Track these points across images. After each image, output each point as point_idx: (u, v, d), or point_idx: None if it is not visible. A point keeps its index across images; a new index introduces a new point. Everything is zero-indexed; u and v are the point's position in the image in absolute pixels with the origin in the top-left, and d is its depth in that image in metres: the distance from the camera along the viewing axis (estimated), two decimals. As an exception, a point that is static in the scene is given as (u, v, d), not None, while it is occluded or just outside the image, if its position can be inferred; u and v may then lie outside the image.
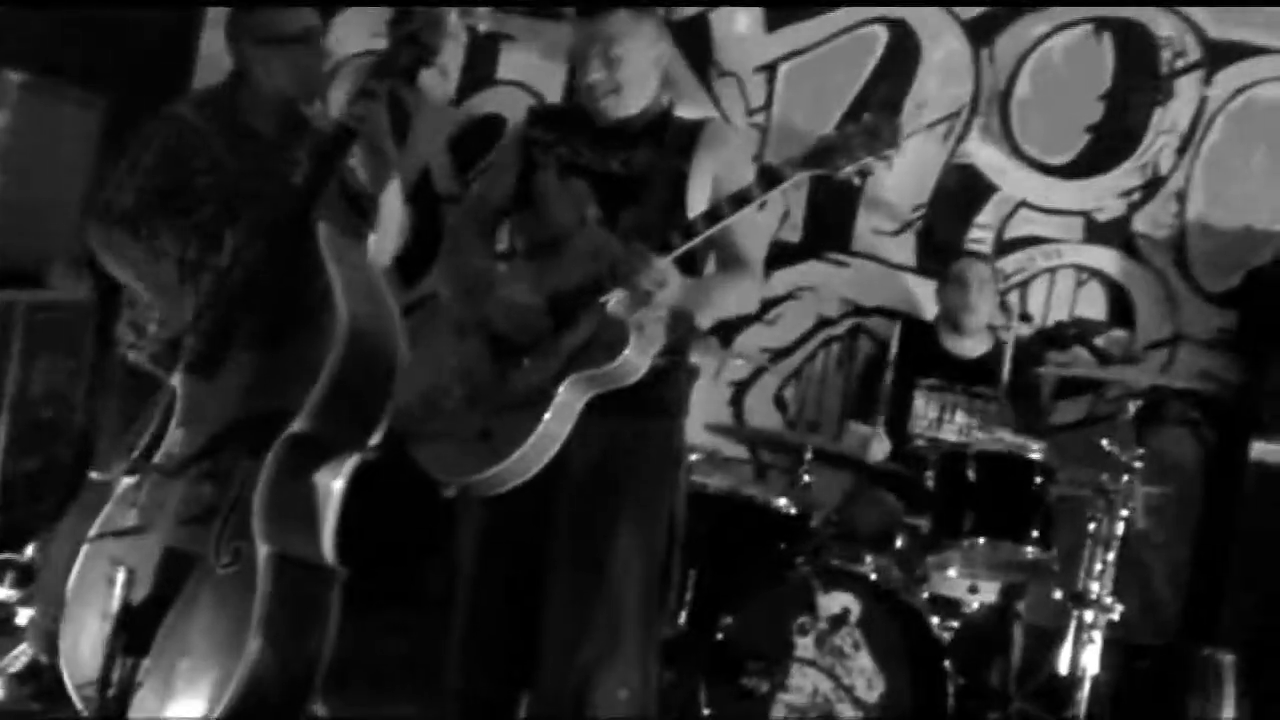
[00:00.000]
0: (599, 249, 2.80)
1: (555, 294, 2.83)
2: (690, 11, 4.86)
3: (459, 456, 2.83)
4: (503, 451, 2.77)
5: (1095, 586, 3.76)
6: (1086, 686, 3.74)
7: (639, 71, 2.91)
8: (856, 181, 2.74)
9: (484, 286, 2.93)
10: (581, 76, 2.89)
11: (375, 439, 2.81)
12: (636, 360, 2.78)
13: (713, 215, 2.76)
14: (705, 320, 3.05)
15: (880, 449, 4.14)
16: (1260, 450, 4.27)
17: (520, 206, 3.00)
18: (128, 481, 2.84)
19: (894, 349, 4.17)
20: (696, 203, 2.87)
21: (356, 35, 4.94)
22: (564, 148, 2.95)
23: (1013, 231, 4.82)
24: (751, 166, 2.91)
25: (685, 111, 3.05)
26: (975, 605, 3.90)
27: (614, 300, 2.77)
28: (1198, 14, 4.71)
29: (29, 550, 4.02)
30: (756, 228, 3.06)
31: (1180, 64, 4.74)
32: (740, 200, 2.73)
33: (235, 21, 3.27)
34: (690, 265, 2.87)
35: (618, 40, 2.86)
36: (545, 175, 2.94)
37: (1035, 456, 3.78)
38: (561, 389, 2.77)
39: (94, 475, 3.25)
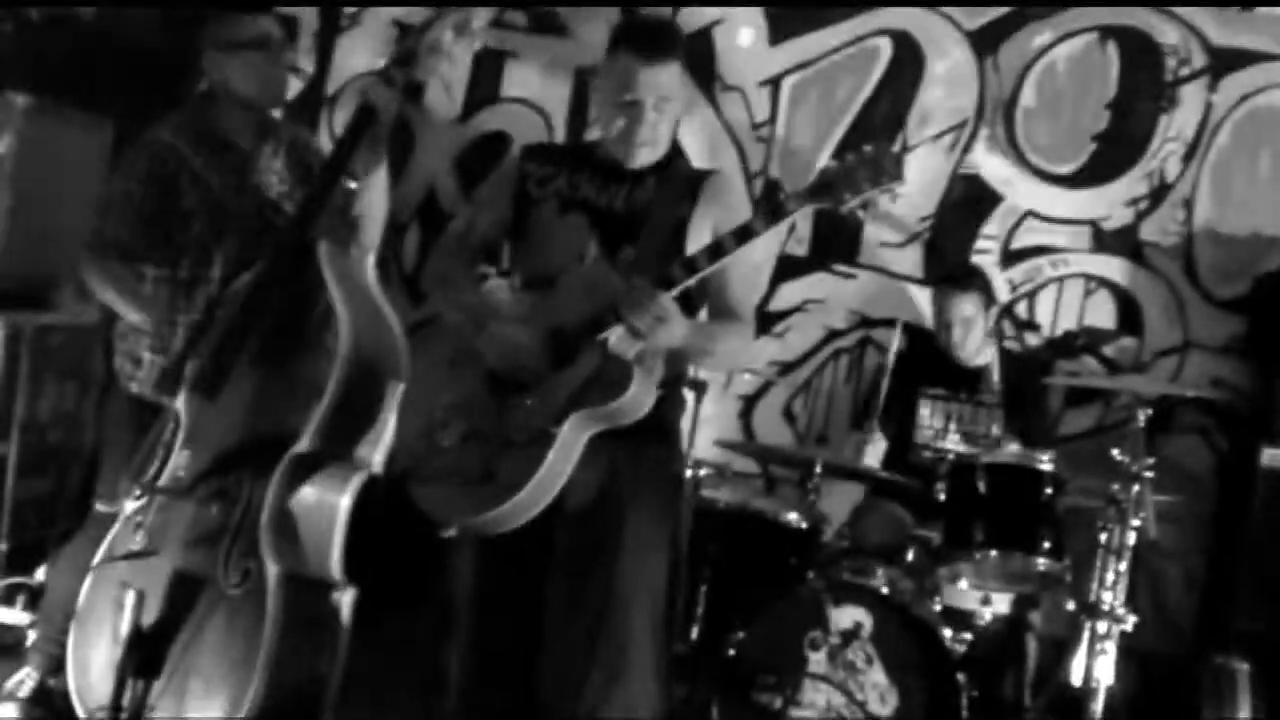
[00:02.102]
0: (597, 283, 2.75)
1: (554, 330, 2.78)
2: (694, 25, 4.86)
3: (460, 498, 2.79)
4: (506, 493, 2.73)
5: (1108, 596, 3.73)
6: (1100, 697, 3.72)
7: (673, 125, 2.90)
8: (860, 214, 2.70)
9: (478, 320, 2.88)
10: (623, 120, 2.82)
11: (380, 456, 2.80)
12: (641, 398, 2.74)
13: (716, 250, 2.70)
14: (704, 368, 2.96)
15: (875, 451, 4.12)
16: (1271, 457, 4.26)
17: (515, 238, 2.96)
18: (134, 504, 2.83)
19: (894, 350, 4.17)
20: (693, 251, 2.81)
21: (361, 55, 4.99)
22: (563, 181, 2.91)
23: (1020, 241, 4.82)
24: (748, 211, 2.83)
25: (688, 138, 3.02)
26: (988, 617, 3.88)
27: (615, 337, 2.71)
28: (1202, 21, 4.70)
29: (39, 573, 4.02)
30: (748, 281, 3.02)
31: (1185, 71, 4.73)
32: (743, 235, 2.68)
33: (201, 31, 3.32)
34: (687, 308, 2.80)
35: (672, 97, 2.83)
36: (543, 210, 2.90)
37: (1045, 467, 3.77)
38: (564, 428, 2.73)
39: (99, 507, 3.27)
